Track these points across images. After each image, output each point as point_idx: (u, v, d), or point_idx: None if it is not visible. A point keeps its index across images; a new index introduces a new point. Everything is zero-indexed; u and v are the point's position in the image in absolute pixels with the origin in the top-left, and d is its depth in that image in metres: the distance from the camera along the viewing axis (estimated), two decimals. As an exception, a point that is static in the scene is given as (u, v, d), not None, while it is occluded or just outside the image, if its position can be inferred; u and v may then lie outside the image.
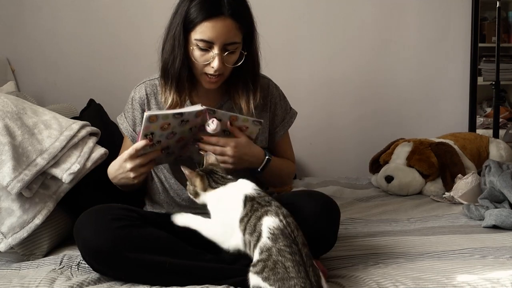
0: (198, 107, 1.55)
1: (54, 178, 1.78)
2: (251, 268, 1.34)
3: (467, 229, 2.09)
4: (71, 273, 1.61)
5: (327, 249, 1.65)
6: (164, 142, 1.56)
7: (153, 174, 1.83)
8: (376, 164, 2.92)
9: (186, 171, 1.45)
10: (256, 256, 1.34)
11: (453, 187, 2.56)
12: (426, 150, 2.76)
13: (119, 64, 3.05)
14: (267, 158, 1.67)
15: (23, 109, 1.84)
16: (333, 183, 2.92)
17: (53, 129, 1.82)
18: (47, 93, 2.96)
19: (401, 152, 2.80)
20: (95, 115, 2.19)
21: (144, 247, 1.48)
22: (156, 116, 1.48)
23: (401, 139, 2.95)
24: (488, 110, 3.62)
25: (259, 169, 1.67)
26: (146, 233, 1.51)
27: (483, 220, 2.15)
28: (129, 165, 1.55)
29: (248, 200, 1.38)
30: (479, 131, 3.35)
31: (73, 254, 1.75)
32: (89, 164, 1.81)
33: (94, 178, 1.86)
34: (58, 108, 2.26)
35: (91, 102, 2.36)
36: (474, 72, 3.35)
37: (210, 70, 1.61)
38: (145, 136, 1.51)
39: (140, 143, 1.51)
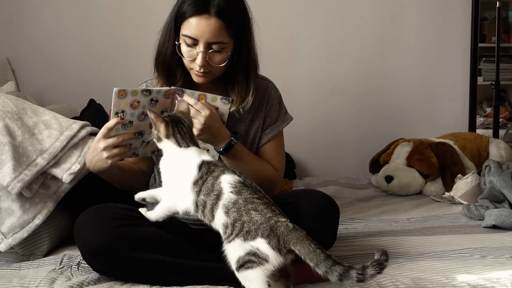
0: (167, 88, 1.60)
1: (54, 178, 1.78)
2: (225, 241, 1.34)
3: (467, 229, 2.09)
4: (71, 273, 1.60)
5: (326, 247, 1.65)
6: (136, 123, 1.58)
7: (155, 172, 1.83)
8: (376, 164, 2.93)
9: (152, 115, 1.46)
10: (221, 219, 1.34)
11: (453, 187, 2.56)
12: (426, 150, 2.76)
13: (119, 64, 3.05)
14: (232, 139, 1.65)
15: (23, 109, 1.84)
16: (333, 183, 2.92)
17: (53, 129, 1.82)
18: (47, 93, 2.96)
19: (401, 152, 2.80)
20: (95, 115, 2.19)
21: (144, 246, 1.48)
22: (125, 91, 1.52)
23: (401, 139, 2.95)
24: (488, 110, 3.62)
25: (221, 149, 1.66)
26: (146, 232, 1.51)
27: (483, 220, 2.15)
28: (101, 144, 1.55)
29: (205, 164, 1.41)
30: (479, 131, 3.35)
31: (73, 254, 1.75)
32: (74, 181, 1.81)
33: (94, 178, 1.85)
34: (58, 108, 2.26)
35: (92, 102, 2.36)
36: (474, 72, 3.35)
37: (195, 67, 1.63)
38: (116, 114, 1.54)
39: (111, 121, 1.54)
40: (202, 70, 1.62)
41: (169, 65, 1.68)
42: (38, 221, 1.72)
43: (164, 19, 1.69)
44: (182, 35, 1.60)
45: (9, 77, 2.84)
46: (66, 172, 1.76)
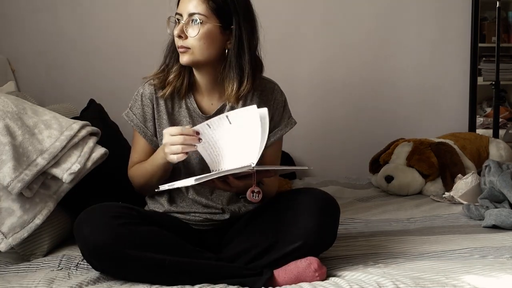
0: (247, 167, 1.49)
1: (55, 178, 1.78)
2: None
3: (467, 229, 2.09)
4: (70, 274, 1.60)
5: (326, 247, 1.65)
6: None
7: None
8: (376, 164, 2.92)
9: None
10: None
11: (453, 187, 2.56)
12: (426, 150, 2.76)
13: (119, 64, 3.05)
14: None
15: (23, 109, 1.84)
16: (333, 183, 2.92)
17: (54, 129, 1.82)
18: (47, 93, 2.96)
19: (401, 152, 2.80)
20: (95, 115, 2.19)
21: (145, 245, 1.48)
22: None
23: (401, 139, 2.95)
24: (488, 110, 3.62)
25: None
26: (147, 231, 1.52)
27: (483, 220, 2.15)
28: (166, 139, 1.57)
29: None
30: (479, 131, 3.35)
31: (72, 254, 1.75)
32: (89, 164, 1.81)
33: (94, 178, 1.86)
34: (58, 108, 2.26)
35: (92, 102, 2.36)
36: (474, 72, 3.35)
37: (177, 42, 1.64)
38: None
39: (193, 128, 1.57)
40: (180, 44, 1.63)
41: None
42: (38, 221, 1.72)
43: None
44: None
45: (9, 77, 2.83)
46: (66, 172, 1.76)
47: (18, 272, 1.65)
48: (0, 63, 2.82)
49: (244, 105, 1.71)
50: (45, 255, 1.78)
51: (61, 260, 1.71)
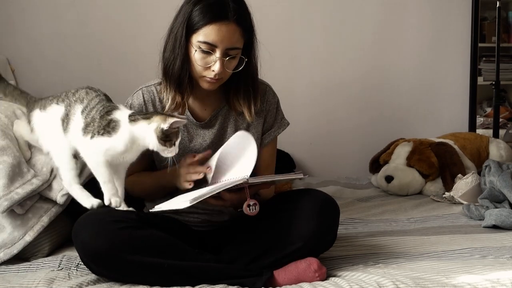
0: (241, 180, 1.48)
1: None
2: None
3: (467, 229, 2.10)
4: (70, 274, 1.60)
5: (326, 247, 1.65)
6: None
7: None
8: (376, 164, 2.93)
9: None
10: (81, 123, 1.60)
11: (453, 187, 2.56)
12: (426, 150, 2.76)
13: (119, 65, 3.05)
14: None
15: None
16: (333, 183, 2.92)
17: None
18: (47, 93, 2.94)
19: (401, 152, 2.80)
20: (95, 115, 2.18)
21: (144, 249, 1.47)
22: None
23: (401, 139, 2.95)
24: (488, 110, 3.62)
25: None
26: (146, 234, 1.51)
27: (483, 220, 2.15)
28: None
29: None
30: (479, 131, 3.35)
31: (72, 255, 1.74)
32: (82, 179, 1.80)
33: (94, 181, 1.85)
34: (58, 108, 2.25)
35: (91, 102, 2.36)
36: (474, 72, 3.35)
37: (210, 74, 1.59)
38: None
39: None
40: (217, 77, 1.59)
41: (180, 73, 1.62)
42: (28, 237, 1.71)
43: (166, 21, 1.66)
44: (198, 41, 1.56)
45: (9, 77, 2.83)
46: (59, 193, 1.76)
47: (18, 272, 1.65)
48: (0, 63, 2.83)
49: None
50: (45, 256, 1.78)
51: (61, 260, 1.70)
